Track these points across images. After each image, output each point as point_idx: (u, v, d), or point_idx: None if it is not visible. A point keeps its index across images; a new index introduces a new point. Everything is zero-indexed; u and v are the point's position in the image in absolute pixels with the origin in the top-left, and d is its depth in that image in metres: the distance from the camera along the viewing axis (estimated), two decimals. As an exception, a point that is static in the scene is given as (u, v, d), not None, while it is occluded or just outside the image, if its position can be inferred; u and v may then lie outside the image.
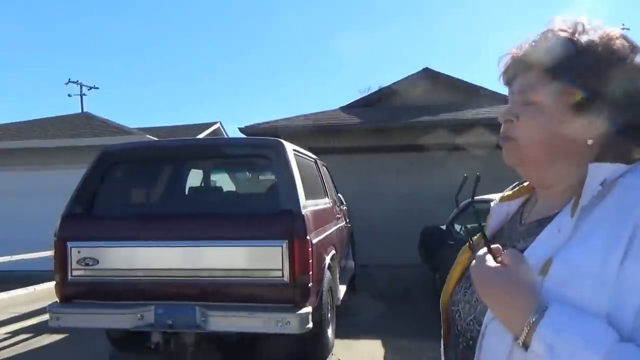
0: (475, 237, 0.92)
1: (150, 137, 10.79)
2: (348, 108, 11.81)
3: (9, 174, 11.28)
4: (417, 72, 11.54)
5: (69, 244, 4.03)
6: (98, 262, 4.02)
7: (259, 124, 10.12)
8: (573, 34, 0.76)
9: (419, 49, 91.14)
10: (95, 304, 4.10)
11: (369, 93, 13.99)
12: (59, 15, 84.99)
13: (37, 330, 5.87)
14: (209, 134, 16.61)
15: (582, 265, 0.66)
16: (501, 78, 0.87)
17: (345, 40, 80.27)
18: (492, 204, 0.96)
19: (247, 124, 10.09)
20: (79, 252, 4.04)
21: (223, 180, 7.63)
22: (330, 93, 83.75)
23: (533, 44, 0.80)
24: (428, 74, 11.53)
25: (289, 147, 4.22)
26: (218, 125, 18.68)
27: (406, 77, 11.60)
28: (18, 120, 13.59)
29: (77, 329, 4.73)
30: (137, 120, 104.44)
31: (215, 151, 4.95)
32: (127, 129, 11.93)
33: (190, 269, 3.92)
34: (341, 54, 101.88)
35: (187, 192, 5.47)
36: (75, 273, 4.05)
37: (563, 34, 0.77)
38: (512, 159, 0.82)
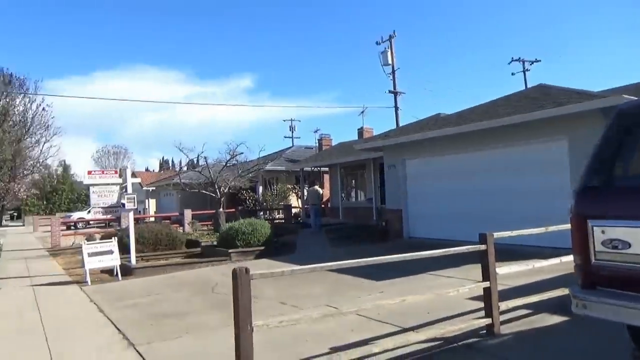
0: None
1: (628, 96, 9.13)
2: None
3: (478, 154, 12.23)
4: None
5: (589, 222, 3.49)
6: (630, 245, 3.29)
7: None
8: None
9: None
10: (625, 294, 3.39)
11: None
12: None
13: (536, 307, 5.73)
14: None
15: None
16: None
17: None
18: None
19: None
20: (602, 232, 3.44)
21: None
22: None
23: None
24: None
25: None
26: None
27: None
28: (468, 107, 14.67)
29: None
30: (589, 84, 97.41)
31: None
32: (593, 93, 10.64)
33: None
34: None
35: None
36: (599, 257, 3.47)
37: None
38: None
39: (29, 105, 30.60)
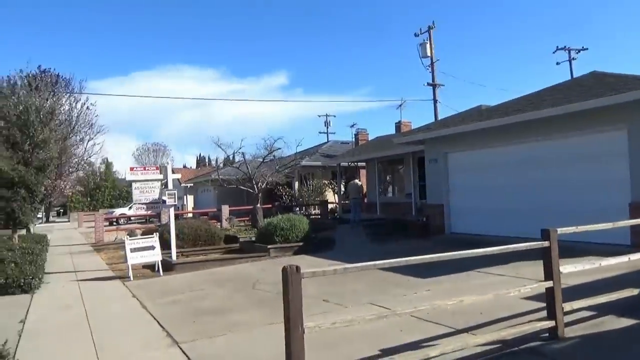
0: None
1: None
2: None
3: (525, 146, 11.66)
4: None
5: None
6: None
7: None
8: None
9: None
10: None
11: None
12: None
13: (602, 309, 5.30)
14: None
15: None
16: None
17: None
18: None
19: None
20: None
21: None
22: None
23: None
24: None
25: None
26: None
27: None
28: (516, 97, 14.03)
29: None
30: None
31: None
32: (652, 78, 9.92)
33: None
34: None
35: None
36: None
37: None
38: None
39: (74, 104, 31.63)
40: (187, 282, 9.22)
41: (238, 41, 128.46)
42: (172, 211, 11.80)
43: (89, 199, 53.60)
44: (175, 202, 11.66)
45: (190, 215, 27.44)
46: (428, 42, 30.26)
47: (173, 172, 12.69)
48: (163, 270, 10.45)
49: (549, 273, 4.54)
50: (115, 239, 20.10)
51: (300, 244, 12.50)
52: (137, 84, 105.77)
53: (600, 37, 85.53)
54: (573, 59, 35.42)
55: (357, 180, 16.91)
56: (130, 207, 36.35)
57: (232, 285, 8.66)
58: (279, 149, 18.87)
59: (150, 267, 10.87)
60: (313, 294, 7.28)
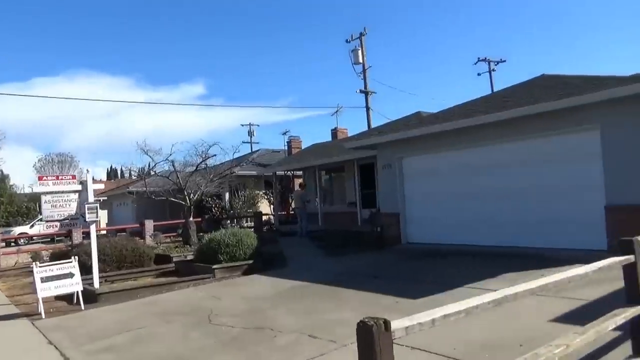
0: None
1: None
2: None
3: (486, 149, 11.11)
4: None
5: None
6: None
7: None
8: None
9: None
10: None
11: None
12: None
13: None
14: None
15: None
16: None
17: None
18: None
19: None
20: None
21: None
22: None
23: None
24: None
25: None
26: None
27: None
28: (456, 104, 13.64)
29: None
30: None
31: None
32: (620, 77, 9.72)
33: None
34: None
35: None
36: None
37: None
38: None
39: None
40: (120, 318, 7.35)
41: (153, 46, 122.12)
42: (93, 228, 9.74)
43: (-21, 216, 47.10)
44: (97, 217, 9.63)
45: (104, 232, 24.44)
46: (360, 48, 29.89)
47: (94, 181, 10.60)
48: (85, 302, 8.43)
49: (636, 296, 3.56)
50: (16, 263, 17.05)
51: (250, 261, 10.93)
52: (37, 91, 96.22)
53: (515, 50, 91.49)
54: (493, 70, 37.00)
55: (302, 189, 15.51)
56: (32, 225, 32.08)
57: (181, 319, 6.95)
58: (214, 155, 17.09)
59: (66, 298, 8.78)
60: (291, 326, 5.87)
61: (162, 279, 10.72)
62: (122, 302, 8.61)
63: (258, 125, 66.85)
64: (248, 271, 10.62)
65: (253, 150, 40.27)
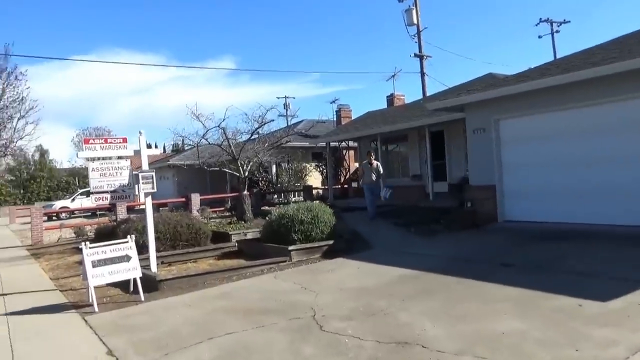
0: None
1: None
2: None
3: (607, 107, 8.88)
4: None
5: None
6: None
7: None
8: None
9: None
10: None
11: None
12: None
13: None
14: None
15: None
16: None
17: None
18: None
19: None
20: None
21: None
22: None
23: None
24: None
25: None
26: None
27: None
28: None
29: None
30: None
31: None
32: None
33: None
34: None
35: None
36: None
37: None
38: None
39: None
40: (193, 316, 5.71)
41: (180, 25, 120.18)
42: (149, 201, 8.18)
43: (22, 191, 47.19)
44: (153, 188, 8.05)
45: (143, 207, 23.23)
46: (414, 7, 27.36)
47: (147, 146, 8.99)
48: (143, 291, 6.86)
49: None
50: (59, 238, 15.91)
51: (329, 242, 9.19)
52: (76, 70, 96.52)
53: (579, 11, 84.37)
54: (556, 31, 33.83)
55: (372, 159, 13.42)
56: (73, 199, 31.37)
57: (276, 321, 5.22)
58: (272, 120, 15.32)
59: (120, 285, 7.26)
60: (438, 338, 4.05)
61: (228, 262, 9.13)
62: (188, 291, 7.00)
63: (294, 98, 64.92)
64: (329, 253, 8.88)
65: (289, 122, 38.44)
